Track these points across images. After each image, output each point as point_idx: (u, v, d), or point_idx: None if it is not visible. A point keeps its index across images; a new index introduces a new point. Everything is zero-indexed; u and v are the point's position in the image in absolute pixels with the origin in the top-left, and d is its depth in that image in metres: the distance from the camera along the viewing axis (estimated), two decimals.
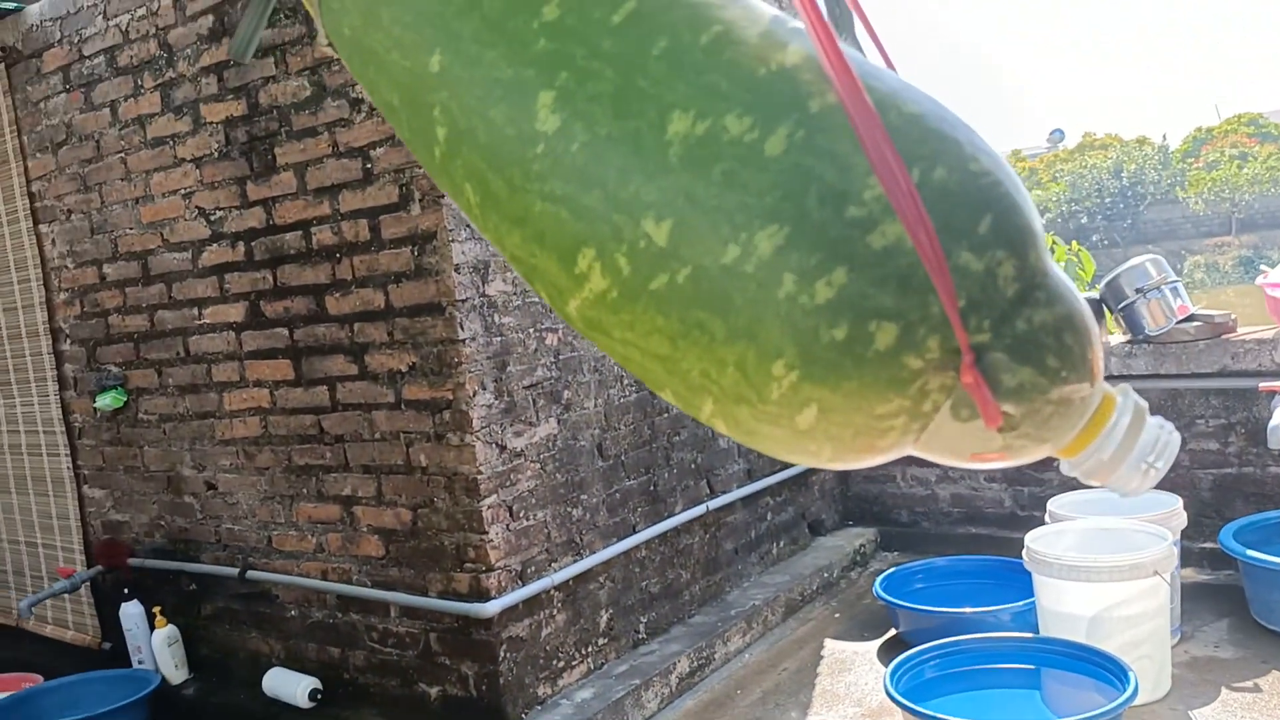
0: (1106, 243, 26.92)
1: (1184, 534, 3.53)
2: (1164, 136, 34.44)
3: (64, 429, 4.28)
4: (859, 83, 0.50)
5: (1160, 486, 3.63)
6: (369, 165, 3.21)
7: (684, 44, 0.54)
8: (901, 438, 0.54)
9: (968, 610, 3.55)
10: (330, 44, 0.69)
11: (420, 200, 3.12)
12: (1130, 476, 0.56)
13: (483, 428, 3.16)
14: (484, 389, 3.17)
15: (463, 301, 3.11)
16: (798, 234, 0.49)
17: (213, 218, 3.61)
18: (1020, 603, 3.47)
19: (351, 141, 3.23)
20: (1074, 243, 7.78)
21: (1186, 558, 3.85)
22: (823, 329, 0.49)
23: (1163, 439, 0.57)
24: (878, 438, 0.53)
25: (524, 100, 0.56)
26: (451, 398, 3.17)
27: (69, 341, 4.23)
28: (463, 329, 3.14)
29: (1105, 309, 4.33)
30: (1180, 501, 3.49)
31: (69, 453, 4.30)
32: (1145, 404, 0.58)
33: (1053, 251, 7.66)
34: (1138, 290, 4.18)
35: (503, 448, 3.22)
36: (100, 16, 3.78)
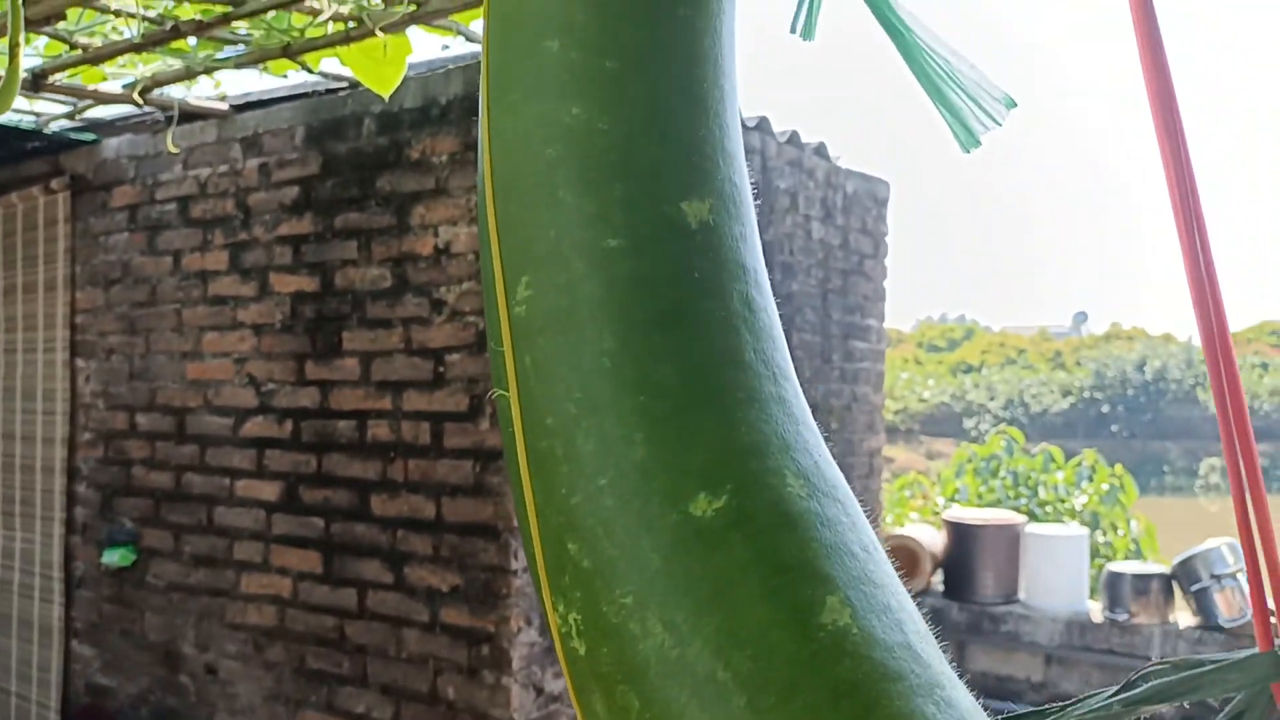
0: (1126, 434, 26.81)
1: None
2: (1190, 337, 34.98)
3: (63, 575, 4.01)
4: None
5: None
6: (441, 368, 3.03)
7: None
8: None
9: None
10: None
11: (491, 415, 2.93)
12: None
13: (522, 669, 2.90)
14: (529, 625, 2.92)
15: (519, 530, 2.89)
16: None
17: (264, 389, 3.42)
18: None
19: (427, 342, 3.05)
20: (1118, 466, 7.58)
21: None
22: None
23: None
24: None
25: None
26: (493, 630, 2.91)
27: (85, 484, 3.99)
28: (517, 559, 2.90)
29: (1177, 588, 4.10)
30: None
31: (63, 601, 4.01)
32: None
33: (1095, 471, 7.46)
34: (1213, 576, 3.95)
35: (539, 691, 2.95)
36: (180, 165, 3.65)
